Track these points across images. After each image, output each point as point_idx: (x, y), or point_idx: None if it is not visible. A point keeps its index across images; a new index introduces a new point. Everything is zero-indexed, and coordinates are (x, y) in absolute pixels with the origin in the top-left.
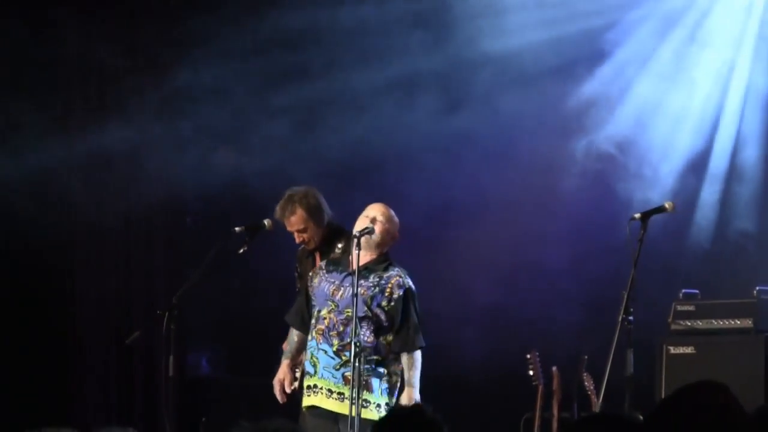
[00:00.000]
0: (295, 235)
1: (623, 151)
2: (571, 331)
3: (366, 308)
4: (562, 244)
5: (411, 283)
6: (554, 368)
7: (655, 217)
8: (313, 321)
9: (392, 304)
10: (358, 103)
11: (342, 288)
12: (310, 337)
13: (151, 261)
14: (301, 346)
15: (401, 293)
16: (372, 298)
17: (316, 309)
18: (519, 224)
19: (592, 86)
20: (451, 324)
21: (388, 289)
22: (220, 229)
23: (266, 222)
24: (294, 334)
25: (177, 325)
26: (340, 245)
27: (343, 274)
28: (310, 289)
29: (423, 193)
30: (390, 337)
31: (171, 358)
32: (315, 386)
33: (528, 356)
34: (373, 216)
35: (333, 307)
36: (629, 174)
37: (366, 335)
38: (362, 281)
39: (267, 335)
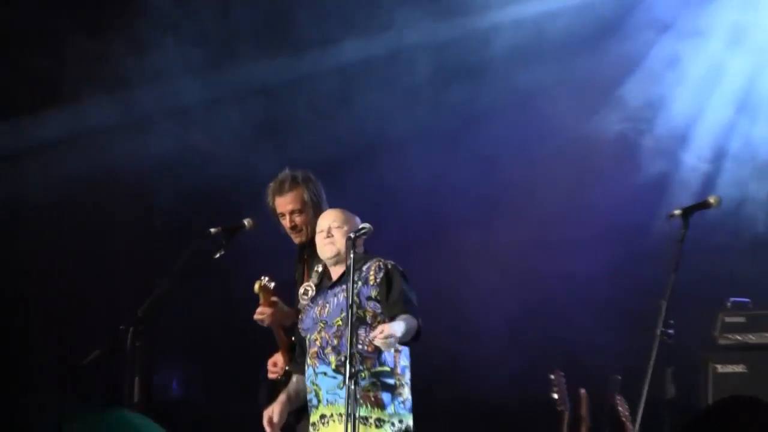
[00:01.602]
0: (286, 218)
1: (664, 138)
2: (601, 347)
3: (356, 309)
4: (592, 247)
5: (392, 262)
6: (582, 391)
7: (698, 215)
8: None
9: (379, 289)
10: (351, 81)
11: (327, 303)
12: (306, 368)
13: (113, 267)
14: (300, 386)
15: (383, 273)
16: (357, 294)
17: (307, 338)
18: (541, 224)
19: (628, 62)
20: (464, 341)
21: (371, 277)
22: (194, 230)
23: (246, 222)
24: (293, 377)
25: (143, 341)
26: (319, 268)
27: (327, 290)
28: (300, 330)
29: (424, 185)
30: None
31: (136, 380)
32: (323, 418)
33: (552, 377)
34: (327, 227)
35: (322, 326)
36: (670, 165)
37: (365, 343)
38: (343, 285)
39: (249, 353)
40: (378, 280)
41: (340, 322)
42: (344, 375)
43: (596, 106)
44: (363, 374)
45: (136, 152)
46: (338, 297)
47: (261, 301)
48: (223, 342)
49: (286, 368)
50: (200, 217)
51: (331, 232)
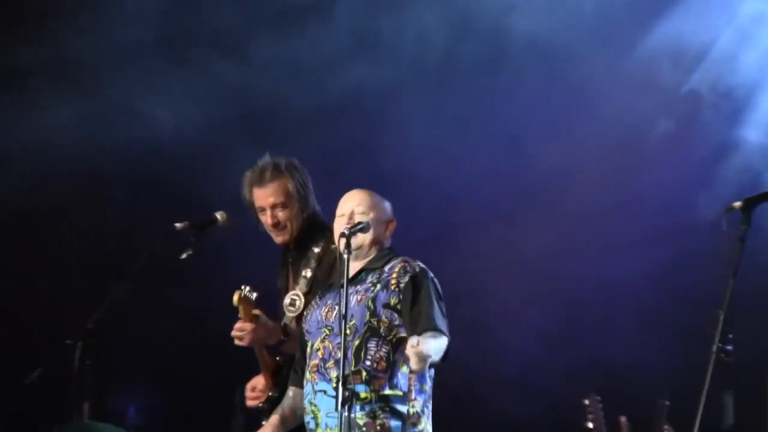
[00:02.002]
0: (267, 213)
1: (724, 116)
2: (646, 366)
3: (368, 317)
4: (635, 248)
5: (423, 266)
6: (622, 419)
7: (763, 208)
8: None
9: (401, 297)
10: (341, 45)
11: (337, 305)
12: (305, 383)
13: (59, 272)
14: (297, 402)
15: (409, 277)
16: (373, 300)
17: (309, 345)
18: (575, 220)
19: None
20: (483, 362)
21: (392, 281)
22: (155, 226)
23: (219, 216)
24: (289, 390)
25: (94, 359)
26: (317, 249)
27: (339, 289)
28: (305, 332)
29: (431, 173)
30: None
31: (86, 405)
32: None
33: (586, 402)
34: (350, 210)
35: (327, 333)
36: (731, 148)
37: (376, 359)
38: (358, 286)
39: (223, 375)
40: (402, 286)
41: (348, 332)
42: (336, 398)
43: (641, 92)
44: (367, 396)
45: (81, 136)
46: (351, 299)
47: (240, 315)
48: (191, 361)
49: (269, 394)
50: (162, 212)
51: (354, 219)
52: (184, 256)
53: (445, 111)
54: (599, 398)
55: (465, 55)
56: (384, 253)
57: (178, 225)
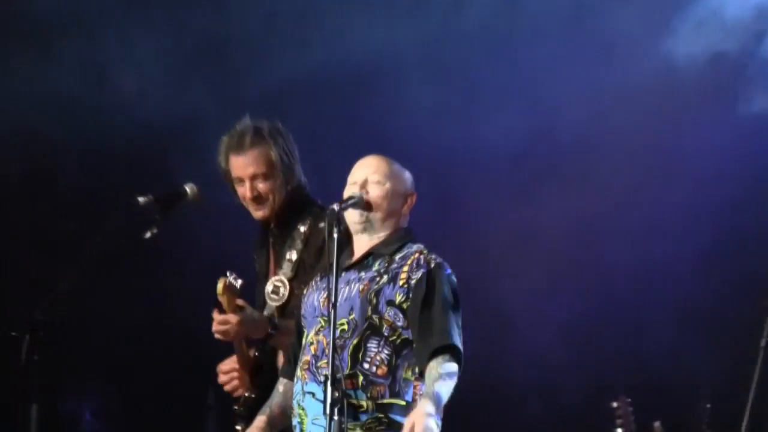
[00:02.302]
0: (246, 185)
1: None
2: (685, 364)
3: (369, 313)
4: (674, 228)
5: (440, 260)
6: (656, 424)
7: None
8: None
9: (410, 295)
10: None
11: (339, 290)
12: (295, 380)
13: (2, 253)
14: (288, 399)
15: (422, 273)
16: (377, 293)
17: (304, 335)
18: (604, 195)
19: None
20: (501, 362)
21: (402, 274)
22: (113, 200)
23: (188, 188)
24: (279, 384)
25: (44, 354)
26: (303, 228)
27: (344, 271)
28: (301, 317)
29: (434, 138)
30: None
31: (34, 407)
32: None
33: (615, 405)
34: (363, 179)
35: (322, 324)
36: None
37: (375, 362)
38: (362, 272)
39: (193, 370)
40: (412, 283)
41: (346, 326)
42: (324, 403)
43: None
44: (364, 405)
45: (28, 99)
46: (353, 287)
47: (224, 306)
48: (156, 357)
49: (246, 394)
50: (122, 185)
51: (367, 188)
52: (147, 235)
53: (454, 69)
54: (630, 401)
55: (476, 6)
56: (398, 235)
57: (140, 199)
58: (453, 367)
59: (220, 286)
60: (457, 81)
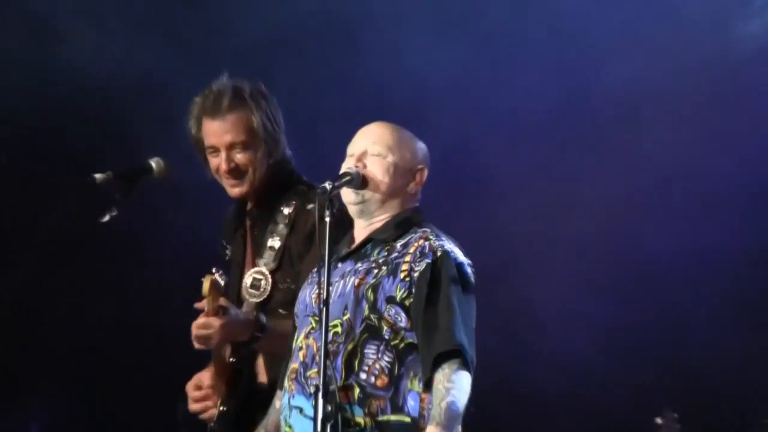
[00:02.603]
0: (221, 155)
1: None
2: (741, 374)
3: (367, 312)
4: (733, 210)
5: (451, 247)
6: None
7: None
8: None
9: (413, 290)
10: None
11: (333, 284)
12: (284, 391)
13: None
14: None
15: (426, 264)
16: (374, 288)
17: (294, 339)
18: (648, 171)
19: None
20: (527, 368)
21: (404, 265)
22: (63, 178)
23: (154, 163)
24: (276, 399)
25: None
26: (287, 210)
27: (336, 264)
28: (295, 316)
29: (458, 107)
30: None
31: None
32: None
33: (659, 421)
34: (361, 150)
35: (313, 325)
36: None
37: (374, 371)
38: (359, 263)
39: (160, 376)
40: (415, 275)
41: (339, 328)
42: (314, 421)
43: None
44: (361, 422)
45: None
46: (347, 281)
47: (207, 307)
48: (116, 362)
49: (221, 408)
50: (75, 160)
51: (365, 161)
52: (106, 218)
53: (467, 19)
54: (677, 416)
55: None
56: (402, 217)
57: (98, 177)
58: (463, 377)
59: (206, 285)
60: (471, 33)
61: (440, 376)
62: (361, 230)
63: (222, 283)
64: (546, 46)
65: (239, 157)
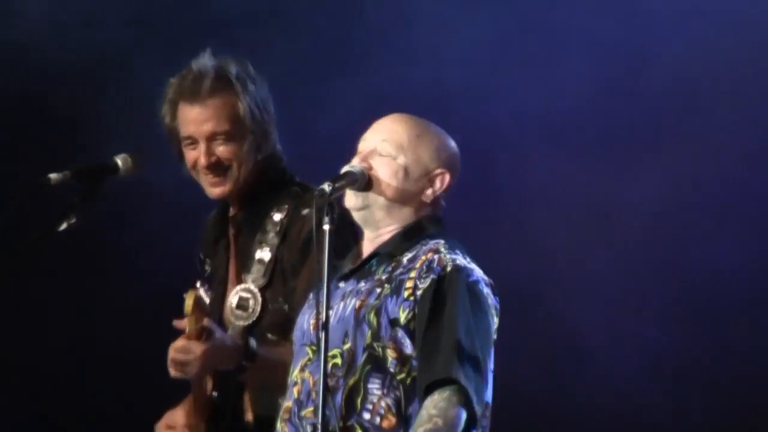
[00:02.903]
0: (201, 147)
1: None
2: None
3: (369, 340)
4: None
5: (465, 262)
6: None
7: None
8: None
9: (416, 311)
10: None
11: (333, 307)
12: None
13: None
14: None
15: (431, 280)
16: (377, 311)
17: (289, 372)
18: (706, 162)
19: None
20: (562, 393)
21: (408, 283)
22: (13, 178)
23: (120, 161)
24: None
25: None
26: (279, 216)
27: (336, 282)
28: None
29: (470, 87)
30: None
31: None
32: None
33: None
34: (371, 147)
35: (311, 355)
36: None
37: (379, 410)
38: (362, 282)
39: (127, 408)
40: (419, 294)
41: (339, 360)
42: None
43: None
44: None
45: None
46: (348, 303)
47: (188, 328)
48: (78, 391)
49: None
50: (28, 156)
51: (373, 160)
52: (64, 226)
53: None
54: None
55: None
56: (411, 225)
57: (52, 177)
58: (452, 408)
59: (188, 302)
60: (500, 5)
61: (428, 402)
62: (368, 243)
63: (207, 300)
64: (584, 19)
65: (221, 149)
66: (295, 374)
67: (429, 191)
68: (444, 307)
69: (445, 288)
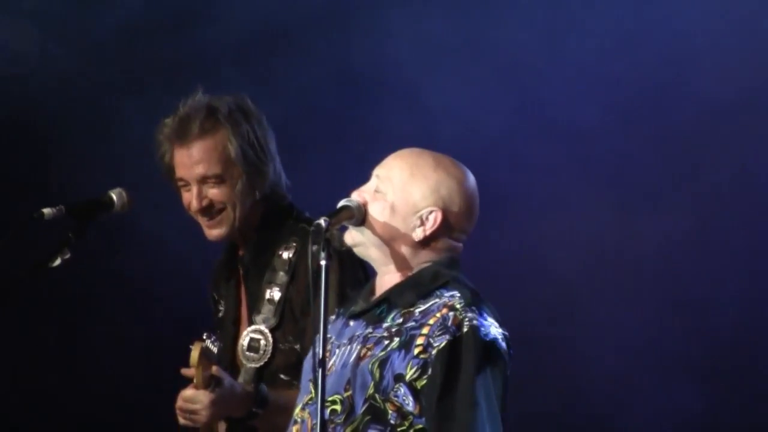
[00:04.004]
0: (193, 190)
1: None
2: None
3: (371, 391)
4: None
5: (481, 320)
6: None
7: None
8: None
9: (429, 372)
10: None
11: (338, 348)
12: None
13: None
14: None
15: (445, 342)
16: (381, 363)
17: (296, 403)
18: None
19: None
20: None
21: (419, 339)
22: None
23: (115, 196)
24: None
25: None
26: (287, 254)
27: (345, 319)
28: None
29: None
30: None
31: None
32: None
33: None
34: (372, 183)
35: (312, 394)
36: None
37: None
38: (369, 329)
39: None
40: (433, 354)
41: (339, 407)
42: None
43: None
44: None
45: None
46: (353, 348)
47: (196, 378)
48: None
49: None
50: (18, 191)
51: (381, 187)
52: (57, 262)
53: None
54: None
55: None
56: (425, 274)
57: (46, 211)
58: None
59: (194, 354)
60: None
61: None
62: (378, 282)
63: (215, 350)
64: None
65: (213, 192)
66: (297, 412)
67: (419, 230)
68: (459, 373)
69: (460, 351)
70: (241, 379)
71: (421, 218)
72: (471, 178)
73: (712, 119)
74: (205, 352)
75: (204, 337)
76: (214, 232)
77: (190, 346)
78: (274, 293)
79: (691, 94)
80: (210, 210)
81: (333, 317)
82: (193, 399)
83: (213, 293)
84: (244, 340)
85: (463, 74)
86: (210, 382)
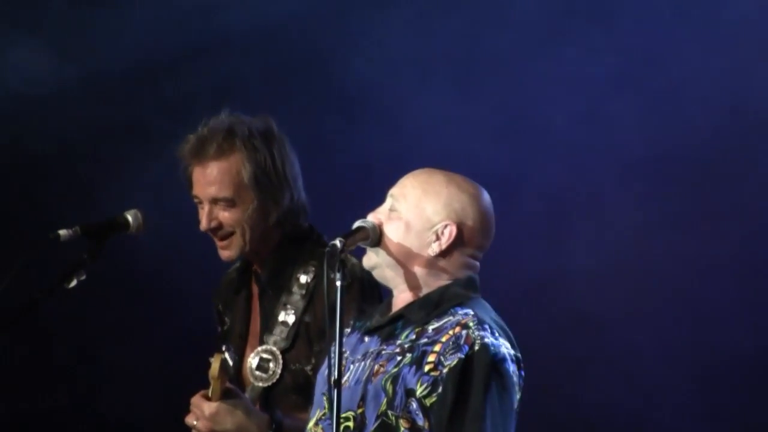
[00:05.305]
0: (204, 209)
1: None
2: None
3: (384, 407)
4: None
5: (493, 340)
6: None
7: None
8: None
9: (439, 389)
10: None
11: (353, 364)
12: None
13: None
14: None
15: (457, 360)
16: (393, 379)
17: (309, 416)
18: None
19: None
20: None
21: (431, 357)
22: (21, 233)
23: (131, 217)
24: None
25: None
26: (305, 278)
27: (361, 335)
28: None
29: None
30: None
31: None
32: None
33: None
34: (390, 203)
35: (326, 409)
36: None
37: None
38: (384, 345)
39: None
40: (444, 372)
41: (352, 423)
42: None
43: None
44: None
45: None
46: (367, 365)
47: (213, 391)
48: None
49: None
50: (37, 211)
51: (396, 206)
52: (73, 283)
53: None
54: None
55: None
56: (440, 292)
57: (62, 233)
58: None
59: (214, 366)
60: None
61: None
62: (396, 297)
63: (231, 363)
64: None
65: (224, 215)
66: (310, 426)
67: (434, 245)
68: (470, 393)
69: (472, 371)
70: (246, 396)
71: (436, 233)
72: (485, 194)
73: (730, 133)
74: (223, 365)
75: (223, 349)
76: (224, 253)
77: (210, 359)
78: (289, 317)
79: (693, 101)
80: (218, 232)
81: (348, 330)
82: (198, 406)
83: (218, 305)
84: (253, 360)
85: (447, 93)
86: (227, 395)
